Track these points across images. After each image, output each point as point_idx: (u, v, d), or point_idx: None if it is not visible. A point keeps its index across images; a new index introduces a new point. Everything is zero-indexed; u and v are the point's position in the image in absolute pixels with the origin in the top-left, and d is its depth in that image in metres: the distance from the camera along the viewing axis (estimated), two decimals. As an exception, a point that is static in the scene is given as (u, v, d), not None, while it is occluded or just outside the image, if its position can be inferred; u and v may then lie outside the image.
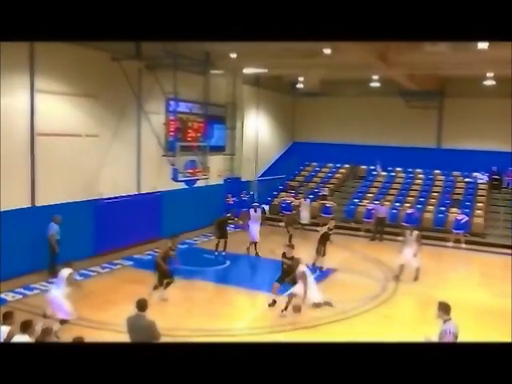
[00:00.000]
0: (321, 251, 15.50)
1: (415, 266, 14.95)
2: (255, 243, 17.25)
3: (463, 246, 20.12)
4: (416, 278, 14.90)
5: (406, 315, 12.10)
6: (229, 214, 17.95)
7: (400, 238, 20.58)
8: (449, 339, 7.01)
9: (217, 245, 17.05)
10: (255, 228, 17.49)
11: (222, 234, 17.11)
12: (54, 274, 14.01)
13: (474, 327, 11.47)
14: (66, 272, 10.32)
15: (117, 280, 13.33)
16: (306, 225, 21.73)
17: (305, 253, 16.25)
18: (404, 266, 14.93)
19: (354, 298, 13.02)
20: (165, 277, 12.27)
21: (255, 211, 17.98)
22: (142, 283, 12.93)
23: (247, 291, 13.92)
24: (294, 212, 20.46)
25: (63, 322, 10.09)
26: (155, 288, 12.15)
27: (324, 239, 15.56)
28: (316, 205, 23.36)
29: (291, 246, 12.53)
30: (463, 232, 20.52)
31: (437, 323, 11.58)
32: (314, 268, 15.39)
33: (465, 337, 10.79)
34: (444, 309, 7.36)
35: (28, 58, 13.75)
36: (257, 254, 17.14)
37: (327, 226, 15.94)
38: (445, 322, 7.26)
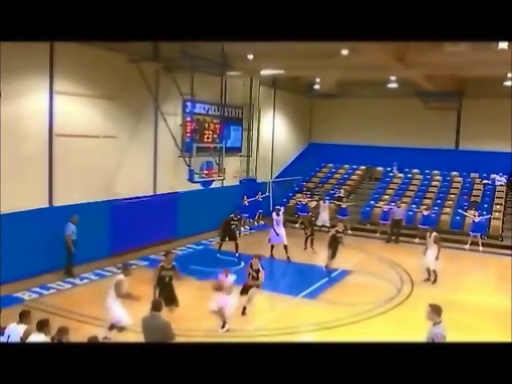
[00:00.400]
0: (329, 254, 15.43)
1: (433, 268, 14.83)
2: (285, 246, 17.00)
3: (480, 248, 19.88)
4: (434, 281, 14.79)
5: (422, 318, 11.93)
6: (232, 215, 17.48)
7: (416, 240, 20.57)
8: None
9: (220, 245, 17.15)
10: (281, 231, 17.29)
11: (229, 235, 17.08)
12: (70, 273, 14.18)
13: (491, 331, 11.36)
14: (118, 278, 10.07)
15: (132, 280, 13.31)
16: (325, 227, 21.67)
17: (323, 255, 16.28)
18: (429, 269, 14.88)
19: (370, 300, 12.94)
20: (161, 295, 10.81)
21: (277, 214, 17.63)
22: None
23: (262, 293, 13.89)
24: (311, 213, 20.21)
25: (112, 327, 9.89)
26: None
27: (332, 242, 15.46)
28: (332, 206, 23.26)
29: (259, 257, 11.87)
30: (480, 234, 20.29)
31: (451, 327, 11.48)
32: (327, 271, 15.31)
33: (486, 338, 10.70)
34: (436, 311, 7.20)
35: (47, 60, 13.90)
36: (288, 258, 16.87)
37: (335, 229, 15.88)
38: (435, 324, 7.09)
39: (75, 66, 14.65)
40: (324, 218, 21.82)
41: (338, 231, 15.70)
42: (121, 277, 10.07)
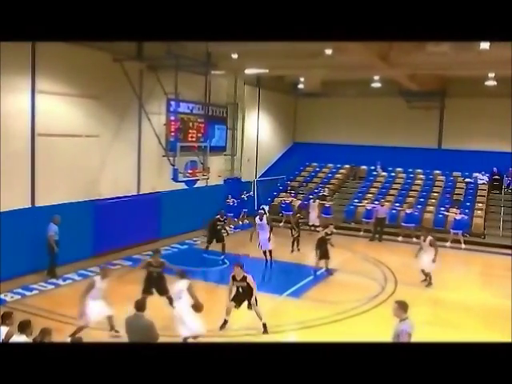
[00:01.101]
0: (317, 254, 15.34)
1: (427, 271, 14.69)
2: (269, 251, 16.43)
3: (462, 246, 20.10)
4: (429, 284, 14.66)
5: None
6: (218, 216, 17.19)
7: (400, 239, 20.73)
8: (404, 339, 6.82)
9: (207, 247, 16.96)
10: (263, 236, 16.41)
11: (216, 237, 16.81)
12: (52, 274, 14.04)
13: (475, 328, 11.51)
14: (184, 284, 9.59)
15: (116, 280, 13.27)
16: (315, 226, 21.76)
17: (309, 254, 16.32)
18: (425, 271, 14.73)
19: (354, 299, 13.01)
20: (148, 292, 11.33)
21: (260, 219, 16.67)
22: (141, 284, 12.90)
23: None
24: (298, 215, 19.88)
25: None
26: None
27: (320, 243, 15.38)
28: (316, 205, 23.34)
29: (240, 266, 11.02)
30: (462, 232, 20.50)
31: (436, 324, 11.59)
32: (315, 271, 15.33)
33: (467, 338, 10.84)
34: (402, 307, 7.08)
35: (29, 59, 13.74)
36: (270, 261, 16.50)
37: (325, 231, 15.80)
38: (401, 321, 7.02)
39: (57, 64, 14.51)
40: (313, 217, 21.89)
41: (327, 233, 15.65)
42: (96, 278, 10.04)
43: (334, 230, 16.42)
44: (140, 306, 7.16)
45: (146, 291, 11.27)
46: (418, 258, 14.84)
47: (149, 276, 11.39)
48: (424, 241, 14.70)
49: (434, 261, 14.38)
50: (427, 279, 14.71)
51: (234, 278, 10.91)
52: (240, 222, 22.91)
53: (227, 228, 19.67)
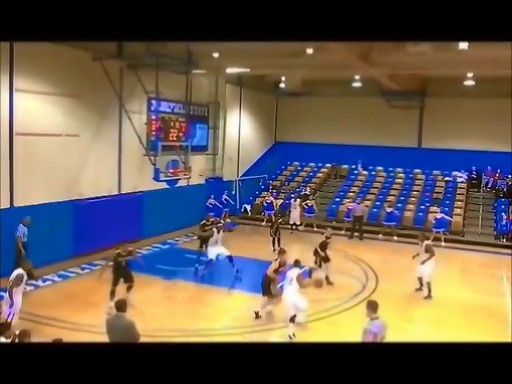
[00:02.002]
0: (317, 261, 14.67)
1: (427, 280, 13.60)
2: (229, 256, 15.13)
3: (442, 244, 20.33)
4: (428, 296, 13.49)
5: (387, 313, 12.12)
6: (204, 221, 16.20)
7: (380, 236, 20.90)
8: (368, 339, 6.90)
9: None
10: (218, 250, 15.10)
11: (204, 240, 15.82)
12: (30, 276, 13.80)
13: (455, 323, 11.68)
14: (295, 272, 10.82)
15: (97, 281, 13.18)
16: (296, 225, 21.80)
17: (295, 253, 16.30)
18: (422, 279, 13.81)
19: (336, 297, 13.08)
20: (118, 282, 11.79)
21: (217, 232, 15.23)
22: (122, 284, 12.83)
23: (228, 291, 13.92)
24: (280, 215, 19.68)
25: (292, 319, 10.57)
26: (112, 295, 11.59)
27: (322, 248, 14.73)
28: (298, 204, 23.44)
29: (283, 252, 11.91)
30: (443, 230, 20.74)
31: (418, 321, 11.72)
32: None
33: (448, 333, 10.99)
34: (371, 307, 7.19)
35: (8, 57, 13.54)
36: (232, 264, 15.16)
37: (324, 235, 15.13)
38: (371, 320, 7.12)
39: (36, 63, 14.33)
40: (295, 216, 21.94)
41: (327, 237, 14.98)
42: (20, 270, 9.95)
43: (331, 231, 15.66)
44: (121, 306, 7.11)
45: (116, 282, 11.71)
46: (418, 264, 13.85)
47: (118, 266, 11.73)
48: (421, 246, 13.86)
49: (422, 263, 13.56)
50: (422, 288, 13.74)
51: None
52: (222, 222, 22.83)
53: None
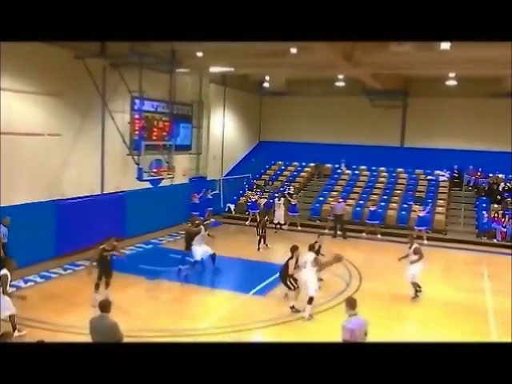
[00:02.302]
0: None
1: (412, 280, 13.36)
2: (212, 255, 15.15)
3: (425, 242, 20.49)
4: (415, 297, 13.30)
5: (371, 311, 12.21)
6: (189, 224, 16.03)
7: (364, 235, 21.03)
8: (345, 336, 6.97)
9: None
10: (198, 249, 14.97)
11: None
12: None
13: (438, 321, 11.80)
14: (310, 256, 11.70)
15: (80, 281, 13.08)
16: (280, 224, 21.82)
17: (276, 251, 16.37)
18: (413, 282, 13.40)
19: (319, 295, 13.10)
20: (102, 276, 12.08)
21: (205, 229, 15.08)
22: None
23: (212, 291, 13.91)
24: (265, 215, 19.58)
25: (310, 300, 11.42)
26: (96, 288, 11.95)
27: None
28: (282, 203, 23.52)
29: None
30: (425, 229, 20.93)
31: (401, 318, 11.81)
32: None
33: (431, 330, 11.10)
34: (349, 304, 7.31)
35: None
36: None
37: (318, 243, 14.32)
38: (349, 316, 7.21)
39: (17, 61, 14.13)
40: (279, 215, 21.96)
41: (320, 246, 14.29)
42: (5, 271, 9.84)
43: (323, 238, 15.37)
44: (104, 306, 7.07)
45: (101, 276, 11.96)
46: (407, 267, 13.47)
47: (103, 260, 11.97)
48: (410, 247, 13.49)
49: (412, 262, 13.29)
50: (416, 293, 13.36)
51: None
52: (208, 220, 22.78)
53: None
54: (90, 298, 11.38)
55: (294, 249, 12.33)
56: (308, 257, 11.74)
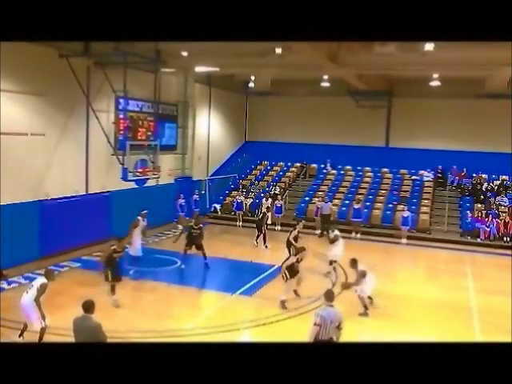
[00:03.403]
0: (291, 252, 14.06)
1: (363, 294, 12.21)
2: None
3: (403, 241, 20.63)
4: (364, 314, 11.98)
5: (356, 310, 12.30)
6: (192, 224, 15.89)
7: (353, 235, 21.13)
8: (314, 320, 7.45)
9: (185, 251, 15.80)
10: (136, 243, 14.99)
11: (195, 244, 15.50)
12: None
13: (422, 319, 11.88)
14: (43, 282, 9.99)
15: (64, 282, 12.97)
16: (267, 224, 21.79)
17: (270, 251, 16.30)
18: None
19: (305, 295, 13.15)
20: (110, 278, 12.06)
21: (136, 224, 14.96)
22: (90, 285, 12.67)
23: (198, 291, 13.88)
24: (262, 216, 19.58)
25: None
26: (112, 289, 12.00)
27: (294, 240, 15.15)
28: (269, 203, 23.51)
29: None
30: (409, 228, 21.07)
31: (385, 317, 11.90)
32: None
33: (415, 328, 11.18)
34: (327, 295, 7.81)
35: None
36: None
37: (297, 229, 15.59)
38: (326, 306, 7.70)
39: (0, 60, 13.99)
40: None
41: (299, 231, 15.71)
42: (45, 280, 9.79)
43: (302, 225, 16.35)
44: (88, 307, 7.02)
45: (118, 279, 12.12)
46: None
47: (112, 262, 12.13)
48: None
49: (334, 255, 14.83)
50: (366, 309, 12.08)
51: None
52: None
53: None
54: (75, 299, 11.26)
55: (300, 249, 13.05)
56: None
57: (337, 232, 15.53)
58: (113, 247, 12.19)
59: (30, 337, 9.48)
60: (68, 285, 13.24)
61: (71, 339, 7.08)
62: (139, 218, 14.98)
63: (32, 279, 13.77)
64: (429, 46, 15.30)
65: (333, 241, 15.22)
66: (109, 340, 6.96)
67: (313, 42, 13.44)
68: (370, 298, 12.27)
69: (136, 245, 14.73)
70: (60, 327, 9.56)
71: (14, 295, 12.51)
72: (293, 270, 12.35)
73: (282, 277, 12.42)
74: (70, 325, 7.16)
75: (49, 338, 9.63)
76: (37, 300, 9.54)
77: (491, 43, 12.23)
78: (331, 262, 15.20)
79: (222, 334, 10.47)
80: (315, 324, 7.40)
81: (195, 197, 22.89)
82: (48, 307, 11.69)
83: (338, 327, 7.45)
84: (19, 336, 9.71)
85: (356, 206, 22.02)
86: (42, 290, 9.61)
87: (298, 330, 10.84)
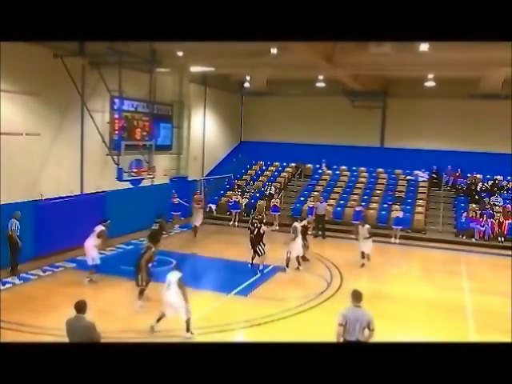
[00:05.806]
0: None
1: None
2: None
3: (393, 240, 20.69)
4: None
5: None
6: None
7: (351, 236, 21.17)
8: (337, 319, 7.45)
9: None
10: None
11: None
12: (14, 271, 13.87)
13: (417, 319, 11.91)
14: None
15: (59, 283, 12.95)
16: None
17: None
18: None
19: (301, 295, 13.18)
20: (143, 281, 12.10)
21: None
22: (85, 286, 12.63)
23: (193, 291, 13.83)
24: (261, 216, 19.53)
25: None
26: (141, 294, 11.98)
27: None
28: (263, 203, 23.60)
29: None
30: (401, 228, 21.12)
31: (381, 317, 11.95)
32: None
33: (410, 328, 11.21)
34: (353, 295, 7.69)
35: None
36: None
37: (304, 222, 17.12)
38: (354, 306, 7.64)
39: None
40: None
41: (309, 222, 17.73)
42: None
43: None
44: (80, 307, 6.99)
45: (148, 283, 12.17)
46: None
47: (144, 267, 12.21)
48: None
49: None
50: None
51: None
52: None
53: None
54: (69, 300, 11.21)
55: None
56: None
57: (368, 226, 16.85)
58: (147, 245, 12.51)
59: (30, 337, 9.45)
60: (62, 285, 13.22)
61: (65, 340, 7.05)
62: (103, 227, 14.42)
63: (26, 279, 13.81)
64: (424, 47, 15.33)
65: (368, 237, 16.49)
66: (103, 340, 6.94)
67: (308, 42, 13.45)
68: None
69: (93, 253, 14.05)
70: (55, 328, 9.53)
71: (8, 295, 12.52)
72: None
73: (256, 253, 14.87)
74: (64, 325, 7.14)
75: (43, 339, 9.61)
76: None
77: (485, 44, 12.26)
78: (363, 255, 16.46)
79: (217, 334, 10.47)
80: (339, 324, 7.35)
81: (174, 200, 21.94)
82: (42, 308, 11.73)
83: (369, 328, 7.36)
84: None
85: (357, 209, 22.10)
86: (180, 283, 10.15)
87: (294, 330, 10.88)
